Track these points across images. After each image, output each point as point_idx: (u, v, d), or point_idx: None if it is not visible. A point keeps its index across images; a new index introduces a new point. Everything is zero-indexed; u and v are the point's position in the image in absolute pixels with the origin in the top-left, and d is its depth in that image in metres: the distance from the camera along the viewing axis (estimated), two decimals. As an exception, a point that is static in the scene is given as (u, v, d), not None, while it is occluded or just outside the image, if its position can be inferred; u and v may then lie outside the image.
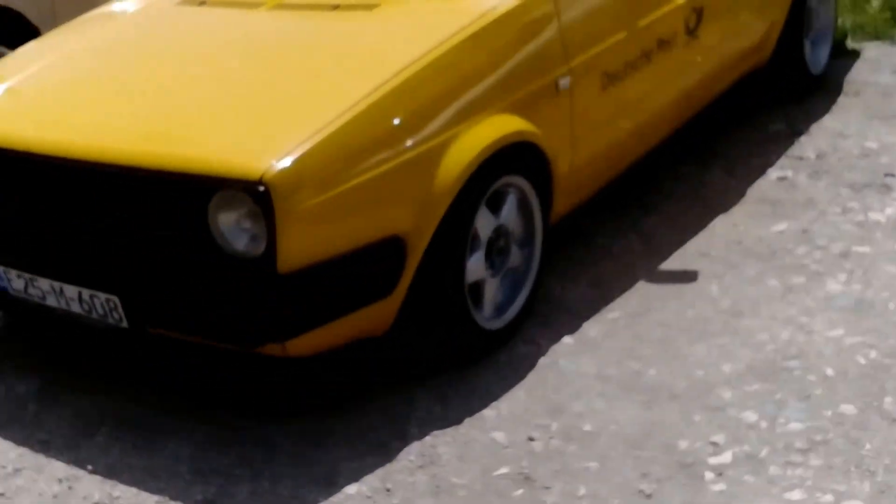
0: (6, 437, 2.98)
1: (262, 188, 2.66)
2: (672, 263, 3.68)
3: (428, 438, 2.87)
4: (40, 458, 2.89)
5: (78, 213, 2.95)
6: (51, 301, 3.03)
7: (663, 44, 3.78)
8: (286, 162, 2.69)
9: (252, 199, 2.68)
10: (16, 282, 3.09)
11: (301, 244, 2.72)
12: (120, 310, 2.90)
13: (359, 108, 2.84)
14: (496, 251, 3.22)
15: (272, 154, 2.71)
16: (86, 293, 2.94)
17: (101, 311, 2.94)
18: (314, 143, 2.75)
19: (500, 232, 3.22)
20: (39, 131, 3.05)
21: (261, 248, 2.71)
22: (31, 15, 5.21)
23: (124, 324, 2.92)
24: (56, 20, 5.22)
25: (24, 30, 5.20)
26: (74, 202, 2.95)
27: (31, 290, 3.06)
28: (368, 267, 2.85)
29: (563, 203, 3.46)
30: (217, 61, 3.28)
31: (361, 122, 2.83)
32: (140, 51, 3.49)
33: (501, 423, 2.92)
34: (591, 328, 3.32)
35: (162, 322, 2.93)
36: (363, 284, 2.85)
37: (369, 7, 3.37)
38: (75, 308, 2.99)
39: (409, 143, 2.89)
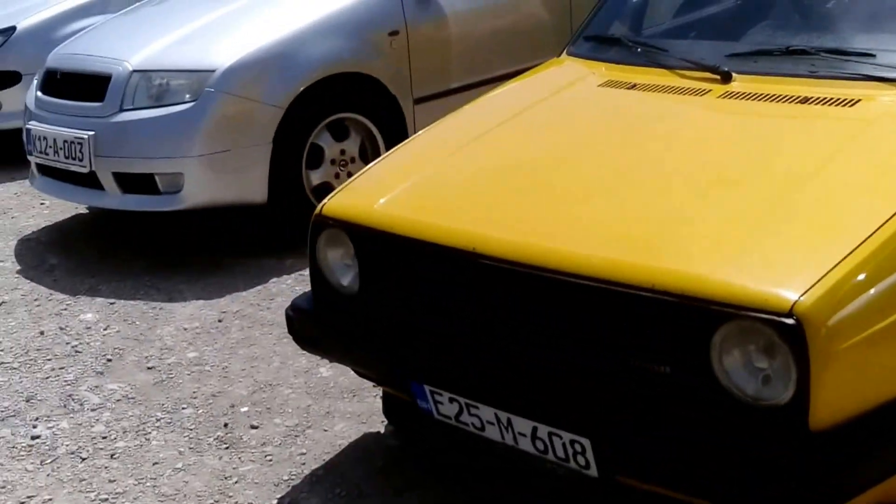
0: None
1: (791, 321, 2.10)
2: None
3: None
4: None
5: (536, 330, 2.46)
6: (491, 433, 2.56)
7: None
8: (820, 289, 2.13)
9: (777, 334, 2.13)
10: (446, 406, 2.63)
11: (837, 393, 2.14)
12: (589, 455, 2.38)
13: (891, 227, 2.27)
14: None
15: (801, 278, 2.16)
16: (543, 430, 2.44)
17: (561, 454, 2.43)
18: (849, 268, 2.18)
19: None
20: (484, 229, 2.58)
21: (783, 394, 2.15)
22: (387, 81, 4.89)
23: (591, 471, 2.40)
24: (413, 89, 4.92)
25: (381, 97, 4.89)
26: (531, 316, 2.47)
27: (466, 418, 2.59)
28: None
29: None
30: (676, 156, 2.75)
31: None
32: (572, 139, 2.99)
33: None
34: None
35: (640, 473, 2.39)
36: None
37: (849, 102, 2.77)
38: (524, 446, 2.50)
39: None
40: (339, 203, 2.91)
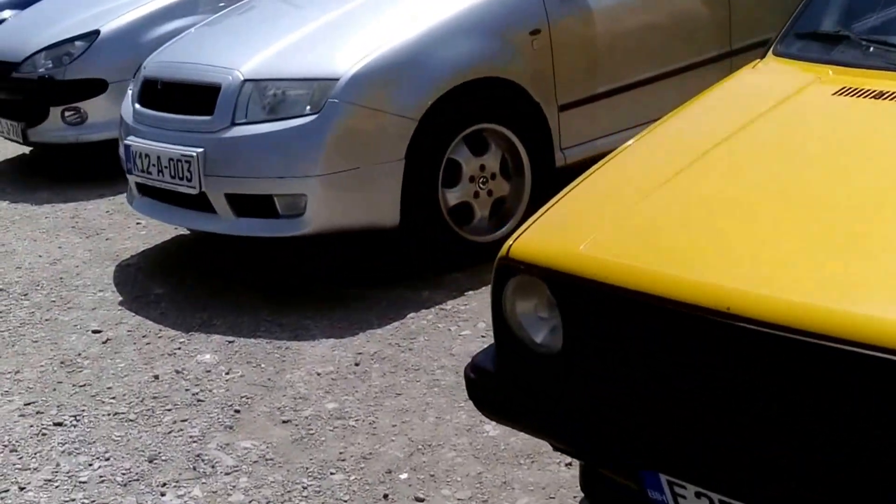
0: None
1: None
2: None
3: None
4: None
5: (824, 414, 1.93)
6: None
7: None
8: None
9: None
10: (691, 501, 2.11)
11: None
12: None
13: None
14: None
15: None
16: (830, 541, 1.92)
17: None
18: None
19: None
20: (739, 283, 2.04)
21: None
22: (529, 86, 4.37)
23: None
24: (557, 94, 4.42)
25: (522, 104, 4.38)
26: (814, 398, 1.94)
27: (716, 517, 2.08)
28: None
29: None
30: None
31: None
32: (823, 165, 2.39)
33: None
34: None
35: None
36: None
37: None
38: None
39: None
40: (531, 244, 2.39)
